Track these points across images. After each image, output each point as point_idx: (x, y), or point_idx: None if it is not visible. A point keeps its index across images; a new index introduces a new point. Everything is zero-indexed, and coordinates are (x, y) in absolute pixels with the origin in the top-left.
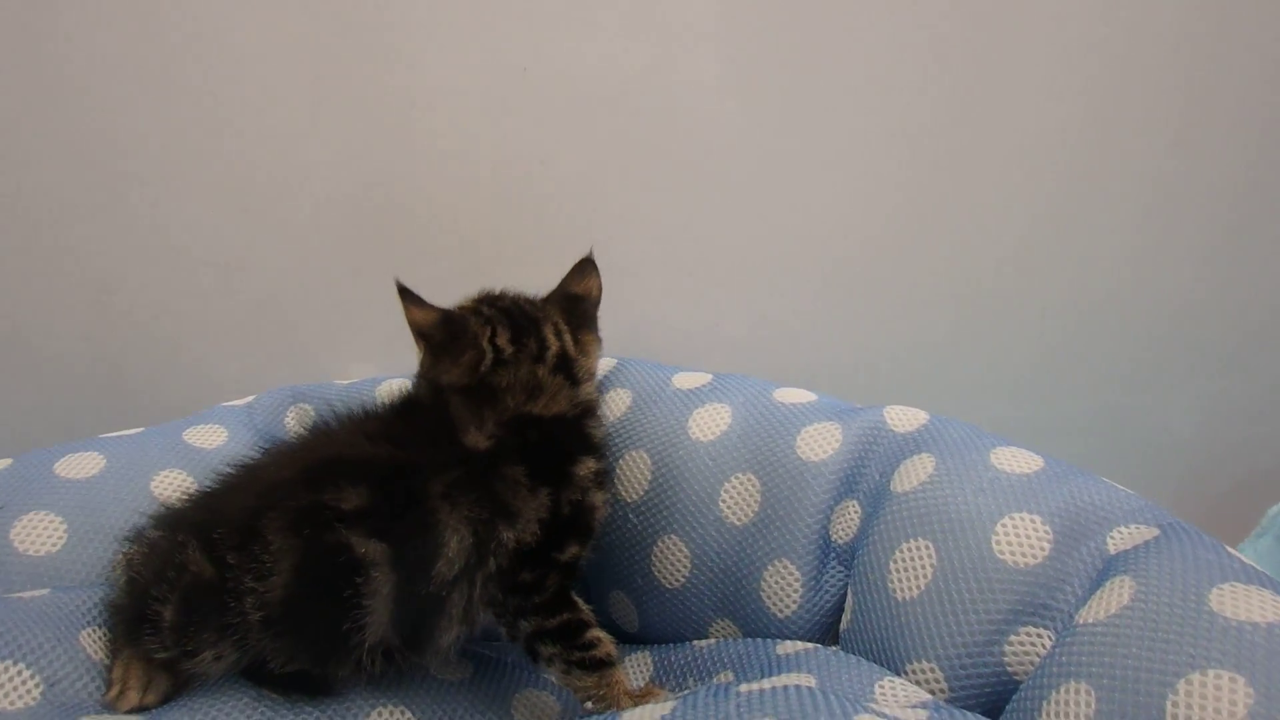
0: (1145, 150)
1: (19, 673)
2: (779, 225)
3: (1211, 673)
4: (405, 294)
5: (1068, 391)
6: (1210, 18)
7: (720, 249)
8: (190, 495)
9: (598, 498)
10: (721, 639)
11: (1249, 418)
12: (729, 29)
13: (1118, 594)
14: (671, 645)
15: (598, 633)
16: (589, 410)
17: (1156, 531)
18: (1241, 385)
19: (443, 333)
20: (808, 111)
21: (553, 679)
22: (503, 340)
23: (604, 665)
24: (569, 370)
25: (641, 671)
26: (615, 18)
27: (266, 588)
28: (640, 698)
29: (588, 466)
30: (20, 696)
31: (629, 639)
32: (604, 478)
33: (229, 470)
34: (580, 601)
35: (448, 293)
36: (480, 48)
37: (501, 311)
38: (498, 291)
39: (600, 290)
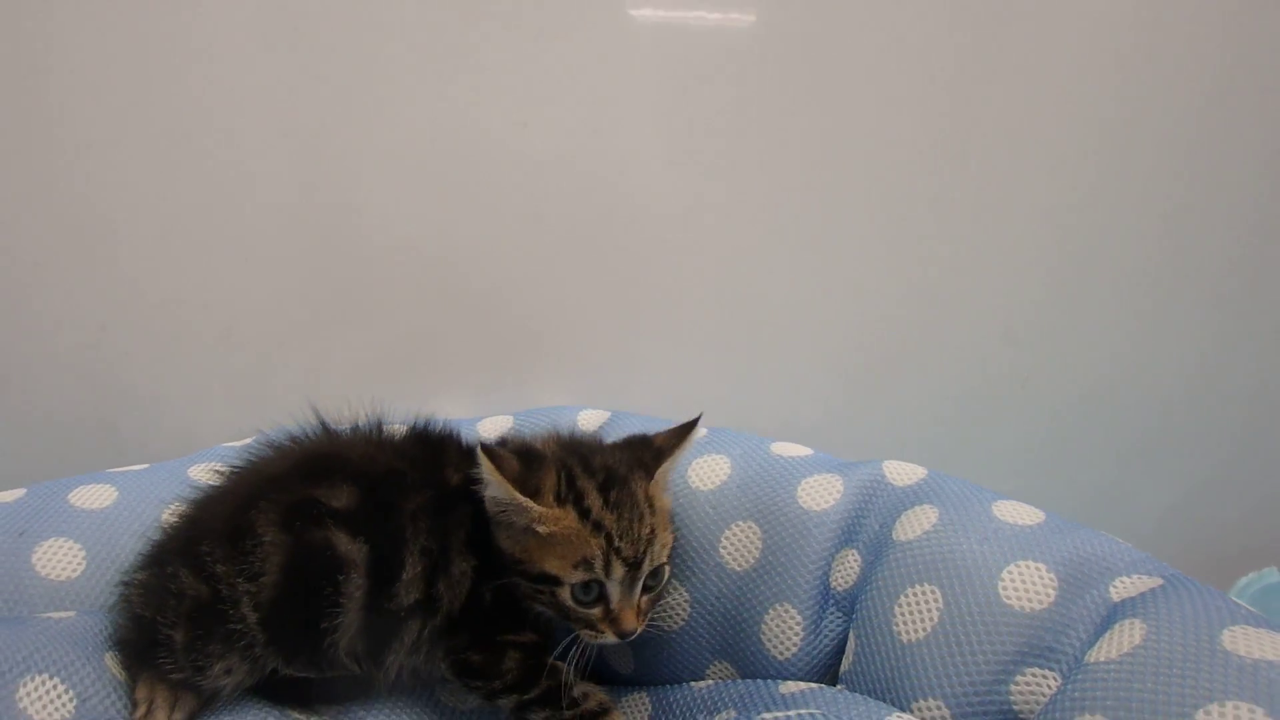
0: (1138, 245)
1: (54, 687)
2: (768, 307)
3: (1230, 704)
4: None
5: (1055, 470)
6: (1205, 105)
7: (714, 324)
8: (165, 528)
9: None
10: (719, 680)
11: (1230, 494)
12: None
13: (1129, 635)
14: (668, 686)
15: (583, 687)
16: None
17: (1160, 581)
18: (1221, 467)
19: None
20: (805, 201)
21: None
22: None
23: (600, 714)
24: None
25: (640, 712)
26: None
27: (258, 587)
28: None
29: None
30: (57, 710)
31: (624, 681)
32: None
33: (197, 492)
34: (557, 664)
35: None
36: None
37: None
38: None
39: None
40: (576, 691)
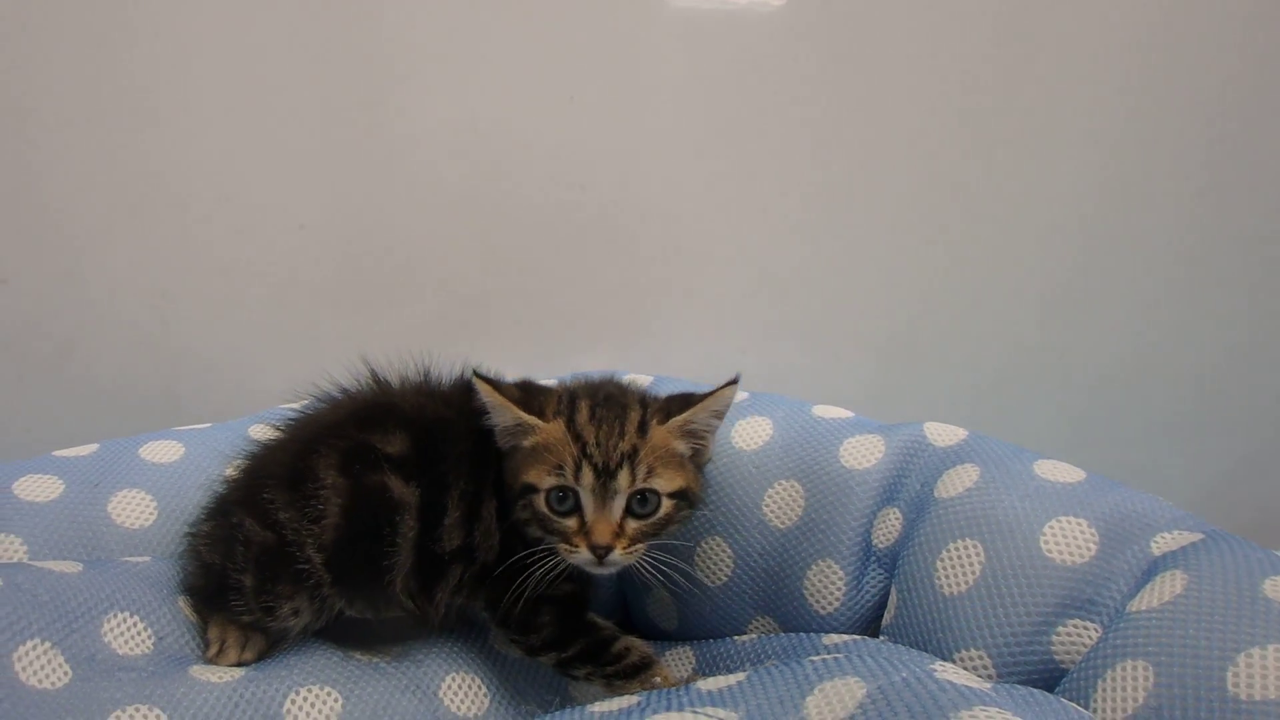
0: (1176, 220)
1: (135, 624)
2: (805, 284)
3: (1272, 647)
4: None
5: (1092, 445)
6: (1243, 79)
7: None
8: (226, 481)
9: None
10: (761, 634)
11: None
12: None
13: (1170, 585)
14: (712, 640)
15: (624, 642)
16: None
17: (1200, 536)
18: (1254, 446)
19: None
20: (840, 181)
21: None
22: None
23: (643, 668)
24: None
25: (684, 665)
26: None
27: (320, 529)
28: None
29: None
30: (138, 644)
31: (667, 637)
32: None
33: (253, 447)
34: (597, 620)
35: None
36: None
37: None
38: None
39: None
40: (618, 646)
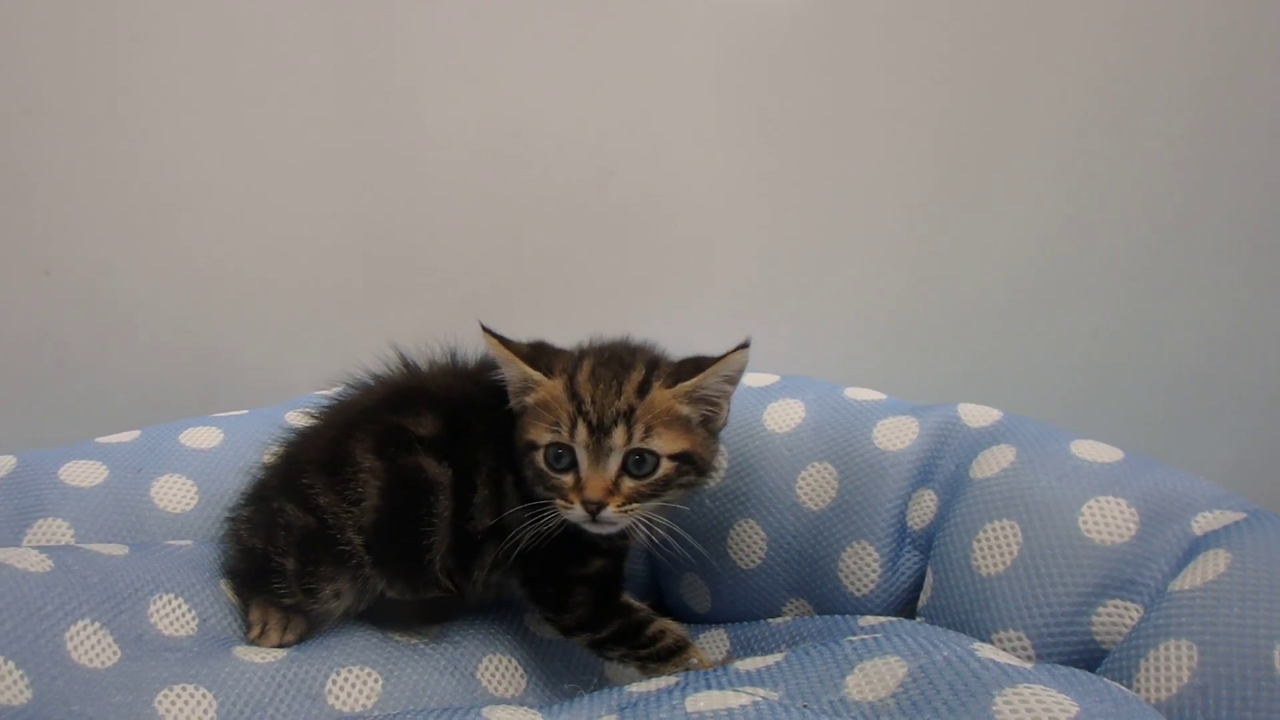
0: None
1: (179, 605)
2: (832, 269)
3: None
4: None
5: (1125, 430)
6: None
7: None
8: (264, 466)
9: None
10: (796, 617)
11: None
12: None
13: (1213, 564)
14: (745, 624)
15: (659, 625)
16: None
17: (1243, 515)
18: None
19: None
20: (867, 167)
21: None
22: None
23: (677, 651)
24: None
25: (718, 648)
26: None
27: (360, 511)
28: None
29: None
30: (182, 625)
31: (701, 620)
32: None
33: (291, 433)
34: (631, 601)
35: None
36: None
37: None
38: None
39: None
40: (653, 629)
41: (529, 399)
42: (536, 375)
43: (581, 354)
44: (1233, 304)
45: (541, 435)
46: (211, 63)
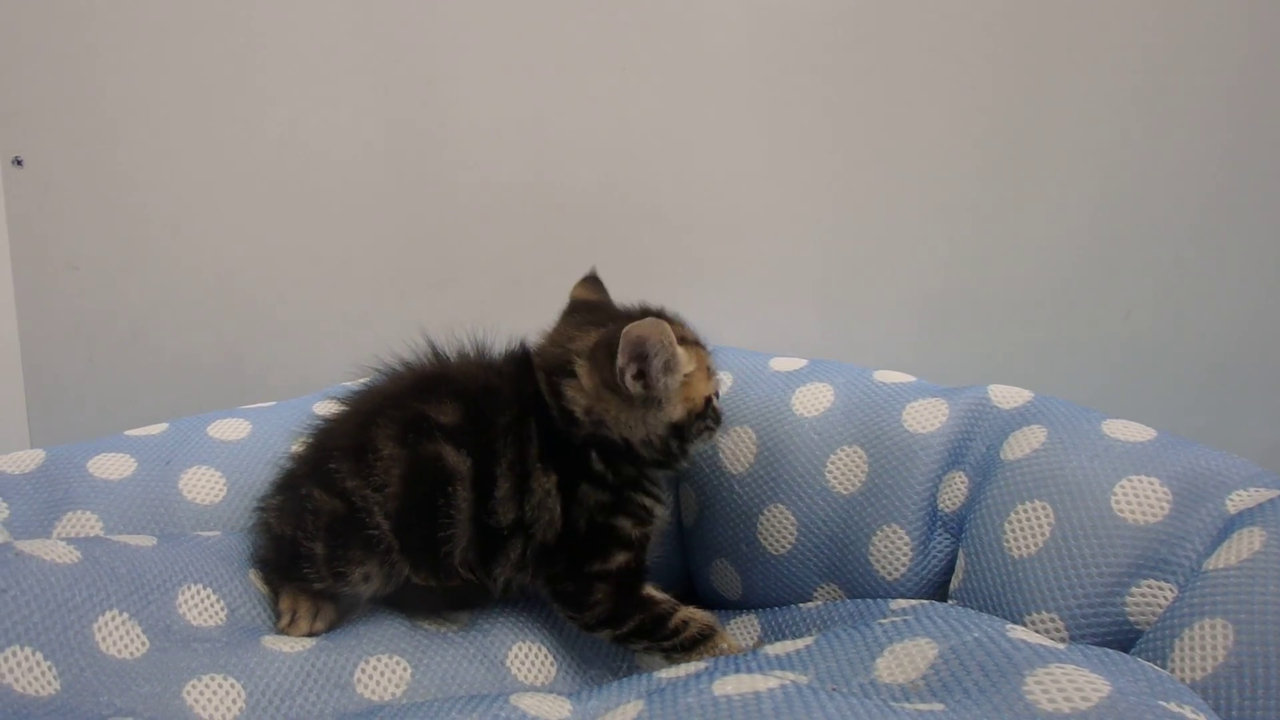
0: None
1: (208, 595)
2: (856, 257)
3: None
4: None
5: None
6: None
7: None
8: (291, 457)
9: (623, 522)
10: (827, 601)
11: None
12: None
13: (1248, 542)
14: (777, 609)
15: (683, 615)
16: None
17: (1278, 493)
18: None
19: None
20: (898, 153)
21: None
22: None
23: (702, 640)
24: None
25: (749, 633)
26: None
27: (384, 497)
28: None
29: (593, 495)
30: (211, 616)
31: (731, 606)
32: (613, 508)
33: (318, 423)
34: (653, 594)
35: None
36: None
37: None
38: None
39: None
40: (676, 620)
41: (679, 375)
42: (682, 350)
43: (652, 316)
44: (1270, 284)
45: (708, 386)
46: (238, 56)
